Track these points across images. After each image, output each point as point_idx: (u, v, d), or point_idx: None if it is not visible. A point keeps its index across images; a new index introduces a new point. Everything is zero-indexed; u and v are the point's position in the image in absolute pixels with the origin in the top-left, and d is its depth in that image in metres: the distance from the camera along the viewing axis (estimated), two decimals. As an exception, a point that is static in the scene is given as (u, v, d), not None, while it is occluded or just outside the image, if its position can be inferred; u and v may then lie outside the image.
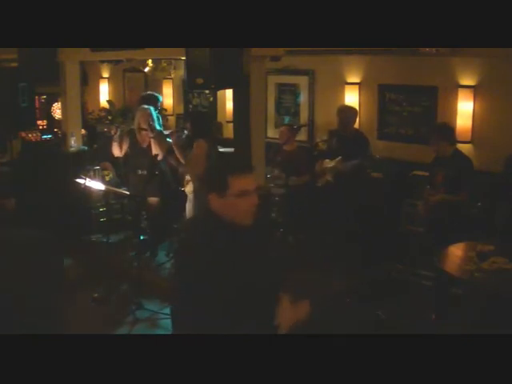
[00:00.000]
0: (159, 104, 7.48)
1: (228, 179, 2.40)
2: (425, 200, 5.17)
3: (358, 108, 6.94)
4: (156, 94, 7.31)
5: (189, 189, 5.95)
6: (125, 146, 6.48)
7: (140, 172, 6.40)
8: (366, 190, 6.09)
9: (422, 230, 5.62)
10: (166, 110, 9.17)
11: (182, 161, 6.04)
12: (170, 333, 5.05)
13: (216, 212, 2.46)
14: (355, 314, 4.77)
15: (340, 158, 6.01)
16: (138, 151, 6.42)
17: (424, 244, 5.37)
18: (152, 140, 6.34)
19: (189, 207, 5.98)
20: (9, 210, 5.38)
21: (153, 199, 6.50)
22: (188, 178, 6.03)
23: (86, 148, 7.50)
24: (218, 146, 7.23)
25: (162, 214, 6.64)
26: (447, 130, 5.18)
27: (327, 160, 6.19)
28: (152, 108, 6.48)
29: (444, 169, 5.04)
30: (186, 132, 6.38)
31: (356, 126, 6.91)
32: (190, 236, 2.57)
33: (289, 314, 2.51)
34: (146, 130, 6.33)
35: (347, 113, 6.21)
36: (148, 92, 7.34)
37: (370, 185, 6.32)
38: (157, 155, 6.25)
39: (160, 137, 6.39)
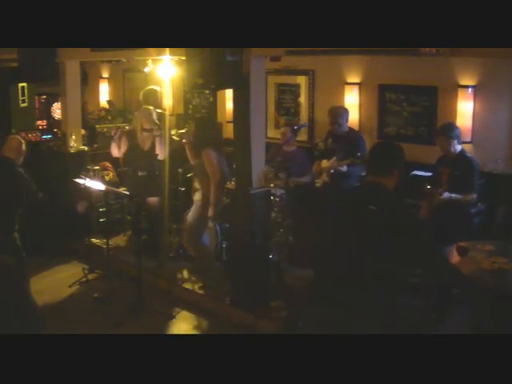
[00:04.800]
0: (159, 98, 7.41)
1: None
2: (428, 200, 5.16)
3: (358, 108, 6.95)
4: (156, 88, 7.23)
5: (197, 197, 5.83)
6: (124, 147, 6.47)
7: (140, 173, 6.40)
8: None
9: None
10: (165, 109, 9.15)
11: (192, 161, 6.03)
12: (170, 333, 5.06)
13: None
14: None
15: (335, 158, 6.06)
16: (138, 153, 6.42)
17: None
18: (157, 139, 6.34)
19: (194, 214, 5.88)
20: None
21: (153, 199, 6.51)
22: (196, 186, 5.87)
23: (86, 148, 7.49)
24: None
25: (162, 214, 6.64)
26: (454, 129, 5.21)
27: (324, 160, 6.23)
28: (152, 108, 6.50)
29: (450, 168, 5.04)
30: None
31: (356, 125, 6.92)
32: None
33: None
34: (149, 130, 6.33)
35: (336, 112, 6.25)
36: (150, 87, 7.28)
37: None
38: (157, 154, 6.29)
39: (164, 136, 6.42)
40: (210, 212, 5.67)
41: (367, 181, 3.25)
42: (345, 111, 6.31)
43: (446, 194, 4.94)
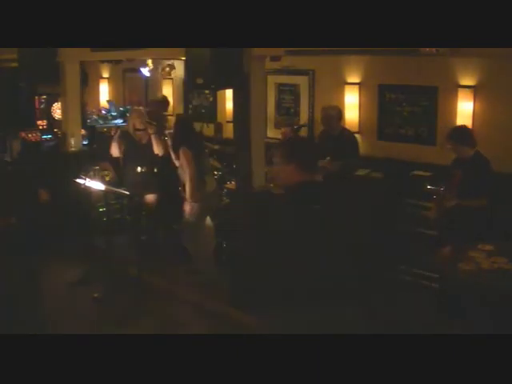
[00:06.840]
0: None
1: None
2: (438, 203, 5.10)
3: (358, 108, 6.95)
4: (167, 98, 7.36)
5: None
6: (122, 147, 6.50)
7: (139, 170, 6.43)
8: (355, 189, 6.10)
9: (421, 231, 5.62)
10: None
11: (176, 163, 6.08)
12: (170, 333, 5.05)
13: None
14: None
15: (329, 158, 6.06)
16: (136, 149, 6.45)
17: (425, 244, 5.37)
18: (153, 136, 6.38)
19: (188, 214, 5.92)
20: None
21: (151, 196, 6.52)
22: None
23: (86, 148, 7.49)
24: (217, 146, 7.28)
25: (161, 212, 6.65)
26: (467, 134, 5.11)
27: None
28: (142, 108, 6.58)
29: (462, 170, 4.96)
30: None
31: (356, 126, 6.92)
32: None
33: None
34: (141, 130, 6.36)
35: (328, 112, 6.24)
36: (163, 95, 7.37)
37: (364, 184, 6.32)
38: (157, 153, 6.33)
39: (159, 135, 6.46)
40: (188, 209, 5.82)
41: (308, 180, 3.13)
42: (336, 111, 6.30)
43: (457, 203, 4.83)
